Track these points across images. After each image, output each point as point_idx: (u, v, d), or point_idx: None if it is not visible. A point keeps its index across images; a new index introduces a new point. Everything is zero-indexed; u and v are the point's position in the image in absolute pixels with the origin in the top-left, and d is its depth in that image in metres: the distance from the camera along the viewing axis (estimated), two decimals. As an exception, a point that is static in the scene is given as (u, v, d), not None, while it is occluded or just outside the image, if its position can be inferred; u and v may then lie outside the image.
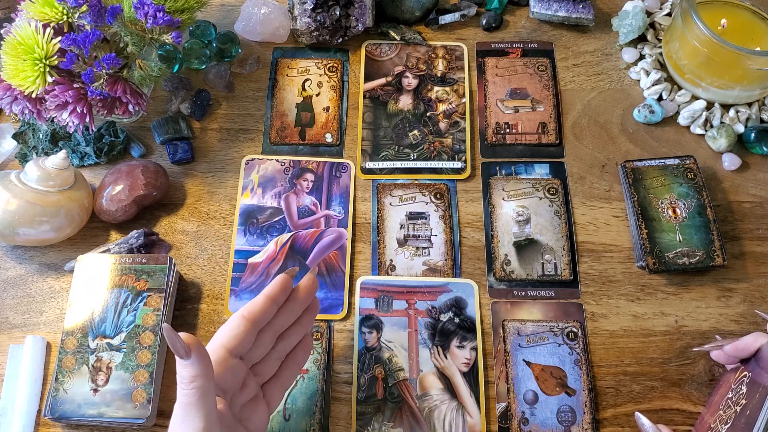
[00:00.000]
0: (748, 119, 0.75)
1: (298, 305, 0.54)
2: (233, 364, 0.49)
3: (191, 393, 0.44)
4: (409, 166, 0.74)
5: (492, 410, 0.62)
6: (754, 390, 0.55)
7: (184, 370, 0.44)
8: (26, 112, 0.66)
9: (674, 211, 0.68)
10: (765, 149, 0.73)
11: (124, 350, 0.61)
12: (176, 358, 0.44)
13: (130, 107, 0.66)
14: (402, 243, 0.70)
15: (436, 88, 0.78)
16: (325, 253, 0.69)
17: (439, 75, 0.79)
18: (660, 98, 0.77)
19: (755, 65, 0.70)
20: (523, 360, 0.64)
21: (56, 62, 0.62)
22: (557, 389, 0.62)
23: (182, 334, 0.44)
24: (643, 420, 0.58)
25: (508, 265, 0.68)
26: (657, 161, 0.71)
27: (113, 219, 0.69)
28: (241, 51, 0.81)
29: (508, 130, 0.76)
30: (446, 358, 0.64)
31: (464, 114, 0.77)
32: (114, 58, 0.63)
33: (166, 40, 0.66)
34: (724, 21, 0.75)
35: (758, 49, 0.71)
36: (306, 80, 0.79)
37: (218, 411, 0.46)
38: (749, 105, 0.76)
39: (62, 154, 0.67)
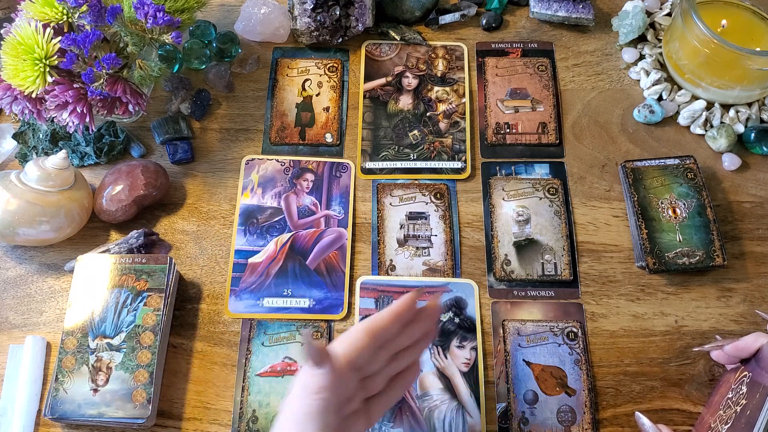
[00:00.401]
0: (748, 119, 0.75)
1: (420, 328, 0.52)
2: (347, 377, 0.48)
3: (315, 404, 0.44)
4: (409, 166, 0.74)
5: (492, 410, 0.62)
6: (754, 390, 0.55)
7: (313, 380, 0.44)
8: (26, 112, 0.66)
9: (674, 211, 0.68)
10: (765, 149, 0.73)
11: (124, 350, 0.61)
12: (307, 366, 0.44)
13: (130, 107, 0.66)
14: (402, 243, 0.70)
15: (436, 88, 0.78)
16: (325, 253, 0.69)
17: (439, 75, 0.79)
18: (660, 98, 0.77)
19: (755, 65, 0.70)
20: (523, 360, 0.64)
21: (56, 62, 0.62)
22: (557, 389, 0.62)
23: (319, 343, 0.43)
24: (643, 420, 0.58)
25: (508, 265, 0.68)
26: (657, 161, 0.71)
27: (113, 219, 0.69)
28: (241, 51, 0.81)
29: (508, 130, 0.76)
30: (446, 358, 0.64)
31: (464, 114, 0.77)
32: (114, 58, 0.63)
33: (166, 40, 0.66)
34: (724, 22, 0.75)
35: (758, 49, 0.71)
36: (306, 80, 0.79)
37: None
38: (749, 105, 0.76)
39: (62, 154, 0.67)
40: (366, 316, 0.66)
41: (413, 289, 0.51)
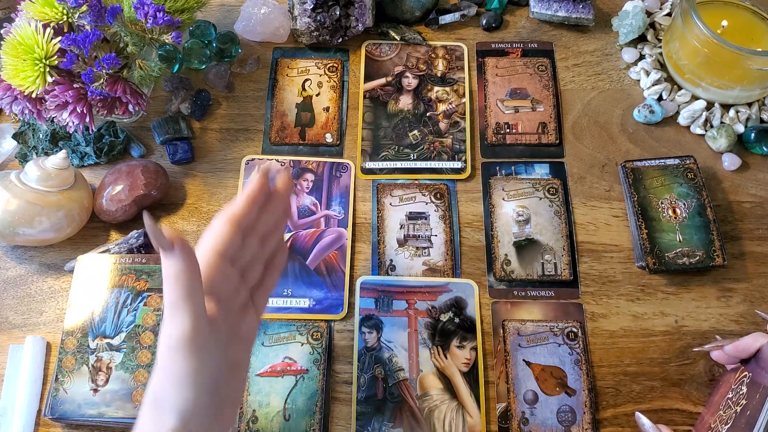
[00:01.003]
0: (748, 119, 0.75)
1: (278, 206, 0.51)
2: (225, 269, 0.46)
3: (176, 290, 0.40)
4: (409, 166, 0.74)
5: (492, 410, 0.62)
6: (754, 390, 0.55)
7: (168, 266, 0.41)
8: (26, 112, 0.66)
9: (674, 211, 0.68)
10: (765, 149, 0.73)
11: (124, 350, 0.61)
12: (160, 253, 0.40)
13: (130, 107, 0.66)
14: (402, 243, 0.70)
15: (436, 88, 0.78)
16: (325, 253, 0.69)
17: (439, 75, 0.79)
18: (660, 98, 0.77)
19: (755, 65, 0.70)
20: (523, 360, 0.64)
21: (56, 62, 0.62)
22: (557, 389, 0.62)
23: (164, 227, 0.40)
24: (643, 420, 0.58)
25: (508, 265, 0.68)
26: (657, 161, 0.71)
27: (113, 219, 0.69)
28: (241, 51, 0.81)
29: (508, 130, 0.76)
30: (446, 358, 0.64)
31: (464, 114, 0.77)
32: (114, 58, 0.63)
33: (166, 40, 0.66)
34: (724, 22, 0.75)
35: (758, 49, 0.71)
36: (306, 80, 0.79)
37: (209, 314, 0.43)
38: (749, 105, 0.76)
39: (62, 154, 0.67)
40: (366, 316, 0.66)
41: (261, 169, 0.50)
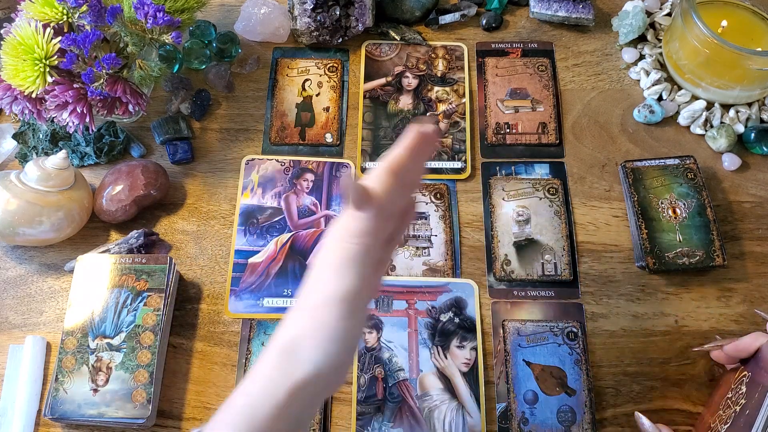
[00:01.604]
0: (748, 119, 0.75)
1: (427, 158, 0.49)
2: (385, 222, 0.44)
3: (355, 248, 0.41)
4: (409, 166, 0.74)
5: (492, 410, 0.62)
6: (753, 390, 0.55)
7: (355, 223, 0.41)
8: (26, 112, 0.66)
9: (674, 211, 0.68)
10: (765, 149, 0.73)
11: (124, 350, 0.61)
12: (349, 208, 0.40)
13: (130, 107, 0.66)
14: (402, 243, 0.70)
15: (436, 88, 0.78)
16: (325, 253, 0.69)
17: (439, 75, 0.79)
18: (660, 98, 0.77)
19: (755, 65, 0.70)
20: (523, 360, 0.64)
21: (56, 62, 0.62)
22: (557, 389, 0.62)
23: (363, 185, 0.40)
24: (643, 420, 0.58)
25: (508, 265, 0.68)
26: (657, 161, 0.71)
27: (113, 219, 0.69)
28: (241, 51, 0.81)
29: (508, 130, 0.76)
30: (446, 358, 0.64)
31: (464, 114, 0.77)
32: (114, 58, 0.63)
33: (166, 40, 0.66)
34: (724, 22, 0.75)
35: (758, 49, 0.71)
36: (306, 80, 0.79)
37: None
38: (749, 105, 0.76)
39: (62, 154, 0.67)
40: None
41: (414, 123, 0.47)
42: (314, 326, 0.42)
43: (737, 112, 0.75)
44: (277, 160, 0.74)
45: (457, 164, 0.74)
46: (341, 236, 0.42)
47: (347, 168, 0.73)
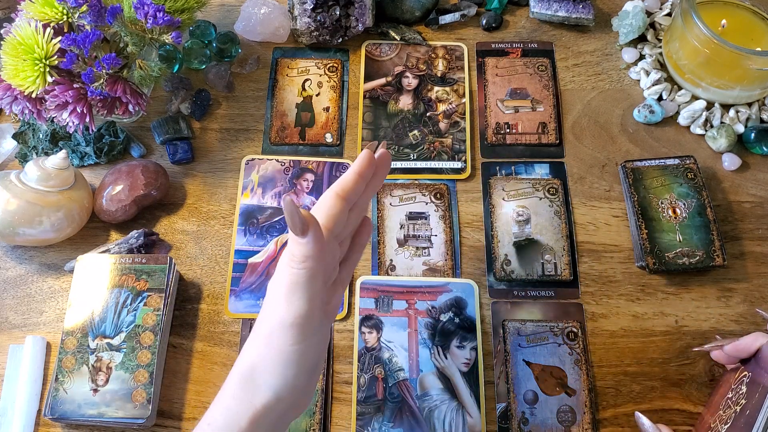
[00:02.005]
0: (748, 119, 0.75)
1: (379, 182, 0.49)
2: (333, 247, 0.46)
3: (301, 273, 0.42)
4: (409, 166, 0.74)
5: (492, 410, 0.62)
6: (753, 390, 0.55)
7: (298, 249, 0.42)
8: (26, 112, 0.66)
9: (674, 211, 0.68)
10: (765, 149, 0.73)
11: (124, 350, 0.61)
12: (290, 234, 0.41)
13: (130, 107, 0.66)
14: (402, 243, 0.70)
15: (436, 88, 0.78)
16: (325, 253, 0.69)
17: (439, 75, 0.79)
18: (660, 98, 0.77)
19: (755, 65, 0.70)
20: (523, 360, 0.64)
21: (56, 62, 0.62)
22: (557, 389, 0.62)
23: (302, 211, 0.40)
24: (643, 420, 0.58)
25: (508, 265, 0.68)
26: (657, 161, 0.71)
27: (113, 219, 0.69)
28: (241, 51, 0.81)
29: (508, 130, 0.76)
30: (446, 358, 0.64)
31: (464, 114, 0.77)
32: (114, 58, 0.63)
33: (166, 40, 0.66)
34: (724, 22, 0.75)
35: (758, 49, 0.71)
36: (306, 80, 0.79)
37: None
38: (749, 105, 0.76)
39: (62, 154, 0.67)
40: (366, 317, 0.66)
41: (365, 147, 0.49)
42: (269, 353, 0.43)
43: (737, 112, 0.75)
44: (277, 160, 0.74)
45: (457, 164, 0.74)
46: (287, 262, 0.43)
47: (346, 167, 0.73)
